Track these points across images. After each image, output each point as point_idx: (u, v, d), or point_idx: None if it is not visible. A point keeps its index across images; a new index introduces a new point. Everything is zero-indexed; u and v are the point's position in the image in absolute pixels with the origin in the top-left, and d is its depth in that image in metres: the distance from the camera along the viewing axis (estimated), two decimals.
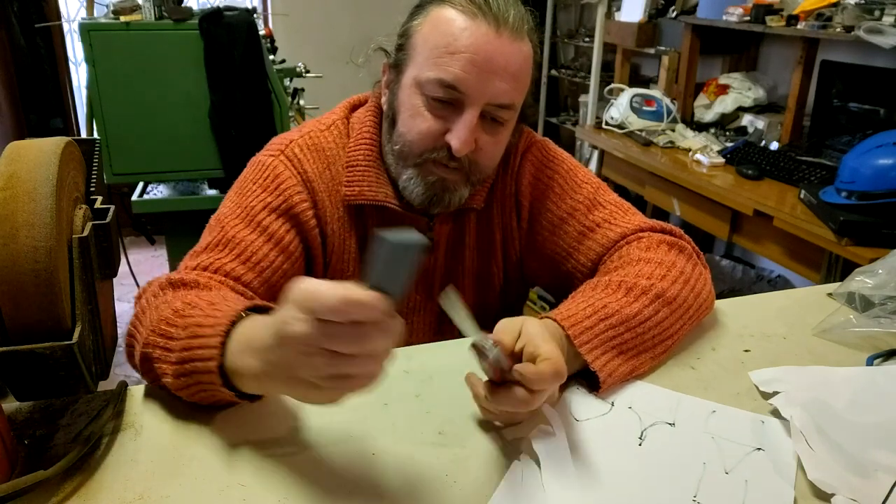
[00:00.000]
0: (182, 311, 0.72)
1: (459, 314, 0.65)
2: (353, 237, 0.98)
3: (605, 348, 0.79)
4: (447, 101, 0.86)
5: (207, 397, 0.70)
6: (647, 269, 0.88)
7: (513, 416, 0.72)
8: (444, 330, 1.03)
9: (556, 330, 0.77)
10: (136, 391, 0.78)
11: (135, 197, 2.46)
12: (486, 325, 1.08)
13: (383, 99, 0.96)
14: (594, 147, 3.02)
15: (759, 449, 0.70)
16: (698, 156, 2.44)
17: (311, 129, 0.98)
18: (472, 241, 1.03)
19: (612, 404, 0.77)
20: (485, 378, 0.70)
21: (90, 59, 2.17)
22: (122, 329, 0.82)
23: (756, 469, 0.68)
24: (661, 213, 2.76)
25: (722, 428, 0.74)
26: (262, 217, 0.90)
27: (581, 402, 0.77)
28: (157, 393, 0.77)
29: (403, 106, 0.90)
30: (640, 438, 0.72)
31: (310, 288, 0.53)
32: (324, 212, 0.95)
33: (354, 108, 1.03)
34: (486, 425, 0.73)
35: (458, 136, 0.86)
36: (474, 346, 0.67)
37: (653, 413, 0.76)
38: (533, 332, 0.69)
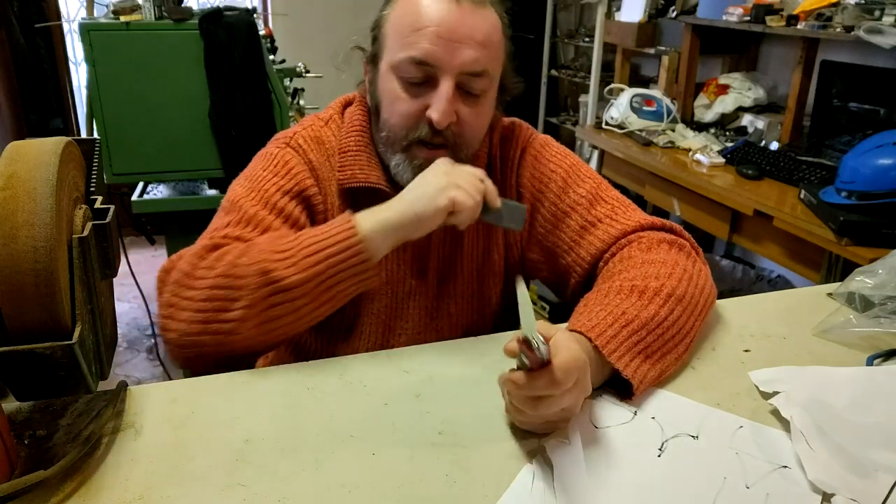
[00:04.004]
0: (272, 236, 0.83)
1: (526, 306, 0.65)
2: None
3: (633, 354, 0.78)
4: (422, 79, 0.89)
5: (332, 291, 0.80)
6: (653, 269, 0.88)
7: (546, 424, 0.71)
8: (440, 315, 1.04)
9: (582, 341, 0.76)
10: (136, 391, 0.78)
11: (135, 197, 2.45)
12: (487, 314, 1.08)
13: (367, 96, 0.99)
14: (594, 147, 3.02)
15: (784, 466, 0.69)
16: (698, 156, 2.44)
17: (311, 123, 1.02)
18: (472, 229, 1.03)
19: (635, 413, 0.76)
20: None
21: (90, 59, 2.16)
22: (122, 329, 0.82)
23: (779, 485, 0.66)
24: (661, 213, 2.76)
25: (748, 444, 0.72)
26: (277, 199, 0.92)
27: (603, 409, 0.76)
28: (158, 393, 0.77)
29: (384, 94, 0.93)
30: (660, 449, 0.71)
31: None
32: (325, 199, 0.98)
33: (348, 104, 1.06)
34: (486, 425, 0.73)
35: (437, 109, 0.88)
36: (525, 339, 0.64)
37: (676, 424, 0.74)
38: (557, 340, 0.69)
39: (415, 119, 0.91)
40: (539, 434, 0.71)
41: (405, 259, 1.01)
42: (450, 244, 1.03)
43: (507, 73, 0.97)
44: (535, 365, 0.66)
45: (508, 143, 1.05)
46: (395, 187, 0.95)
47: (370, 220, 0.83)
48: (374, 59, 0.96)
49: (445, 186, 0.83)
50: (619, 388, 0.78)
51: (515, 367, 0.68)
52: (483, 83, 0.91)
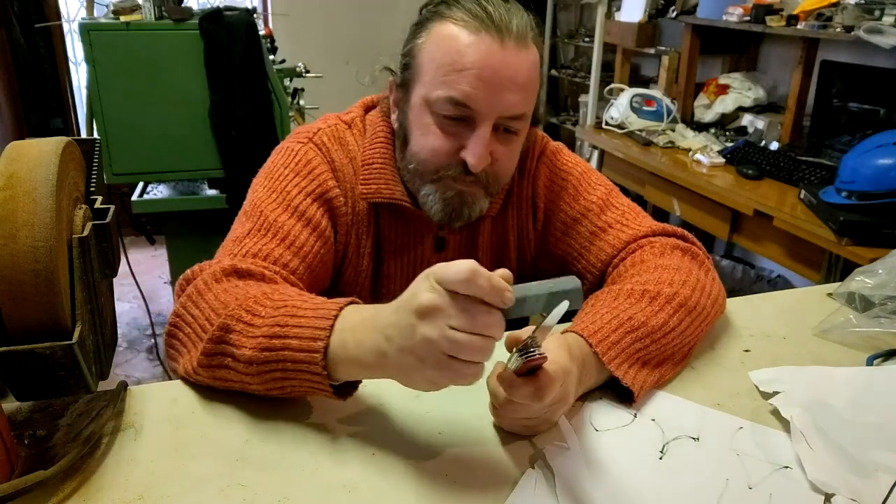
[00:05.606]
0: (271, 294, 0.73)
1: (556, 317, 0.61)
2: (370, 234, 0.98)
3: (632, 361, 0.78)
4: (458, 117, 0.86)
5: (282, 384, 0.69)
6: (667, 275, 0.87)
7: (524, 427, 0.71)
8: None
9: (580, 345, 0.76)
10: (136, 391, 0.78)
11: (135, 197, 2.46)
12: None
13: (393, 117, 0.96)
14: (594, 147, 3.02)
15: (786, 467, 0.68)
16: (698, 156, 2.44)
17: (336, 123, 1.00)
18: (486, 244, 1.03)
19: (635, 415, 0.76)
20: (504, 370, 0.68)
21: (90, 59, 2.17)
22: (122, 329, 0.82)
23: (782, 485, 0.66)
24: (661, 213, 2.76)
25: (748, 445, 0.71)
26: (299, 202, 0.90)
27: (602, 412, 0.76)
28: (157, 393, 0.77)
29: (414, 125, 0.90)
30: (661, 452, 0.70)
31: (442, 264, 0.60)
32: (348, 201, 0.96)
33: (369, 108, 1.04)
34: (486, 425, 0.73)
35: (473, 153, 0.86)
36: (532, 339, 0.63)
37: (676, 426, 0.74)
38: (547, 347, 0.67)
39: (447, 157, 0.88)
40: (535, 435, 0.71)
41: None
42: (463, 258, 1.03)
43: (539, 105, 0.94)
44: (521, 370, 0.65)
45: (525, 154, 1.03)
46: (416, 203, 0.95)
47: (347, 341, 0.66)
48: (404, 84, 0.92)
49: (432, 379, 0.61)
50: (619, 391, 0.78)
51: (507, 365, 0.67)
52: (520, 124, 0.89)
